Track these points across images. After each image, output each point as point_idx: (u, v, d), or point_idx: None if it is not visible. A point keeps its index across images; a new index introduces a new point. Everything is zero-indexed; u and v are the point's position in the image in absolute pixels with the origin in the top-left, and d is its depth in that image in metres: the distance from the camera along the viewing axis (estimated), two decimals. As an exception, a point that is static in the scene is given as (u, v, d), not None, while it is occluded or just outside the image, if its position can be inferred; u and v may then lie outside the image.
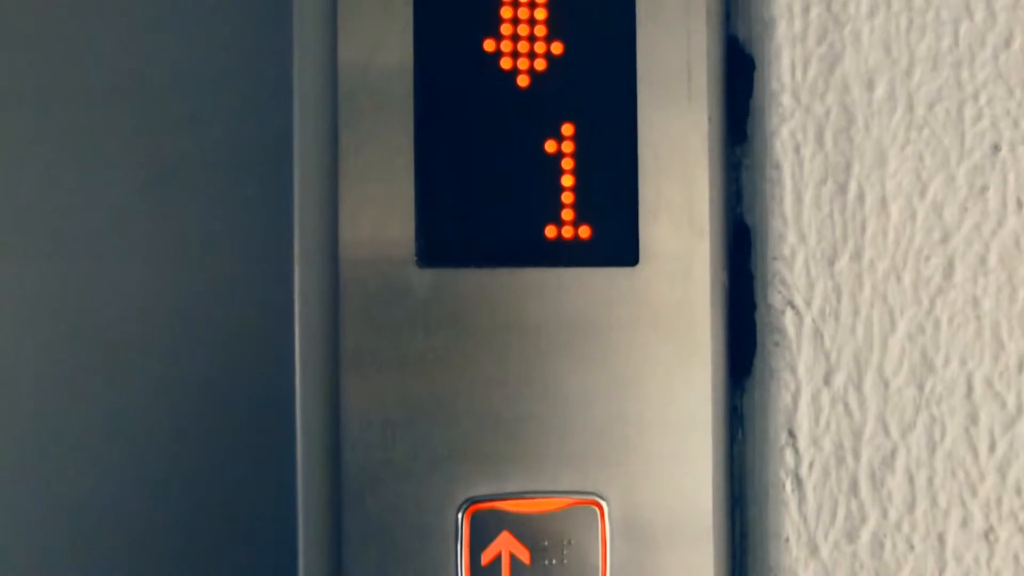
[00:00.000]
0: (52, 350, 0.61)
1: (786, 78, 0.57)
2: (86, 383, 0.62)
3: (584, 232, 0.56)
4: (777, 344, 0.57)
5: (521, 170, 0.56)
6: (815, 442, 0.57)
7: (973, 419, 0.56)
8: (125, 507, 0.61)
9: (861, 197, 0.57)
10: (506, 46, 0.56)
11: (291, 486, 0.56)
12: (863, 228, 0.57)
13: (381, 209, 0.55)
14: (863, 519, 0.57)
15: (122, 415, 0.61)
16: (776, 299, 0.57)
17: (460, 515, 0.55)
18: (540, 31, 0.56)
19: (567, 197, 0.56)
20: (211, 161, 0.61)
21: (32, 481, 0.61)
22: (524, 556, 0.55)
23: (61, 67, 0.61)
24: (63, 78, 0.61)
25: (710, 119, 0.58)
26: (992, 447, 0.57)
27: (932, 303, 0.57)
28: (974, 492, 0.57)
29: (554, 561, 0.56)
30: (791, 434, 0.57)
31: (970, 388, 0.56)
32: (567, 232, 0.56)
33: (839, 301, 0.57)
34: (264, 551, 0.57)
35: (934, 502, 0.57)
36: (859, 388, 0.57)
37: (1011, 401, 0.56)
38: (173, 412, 0.61)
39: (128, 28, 0.62)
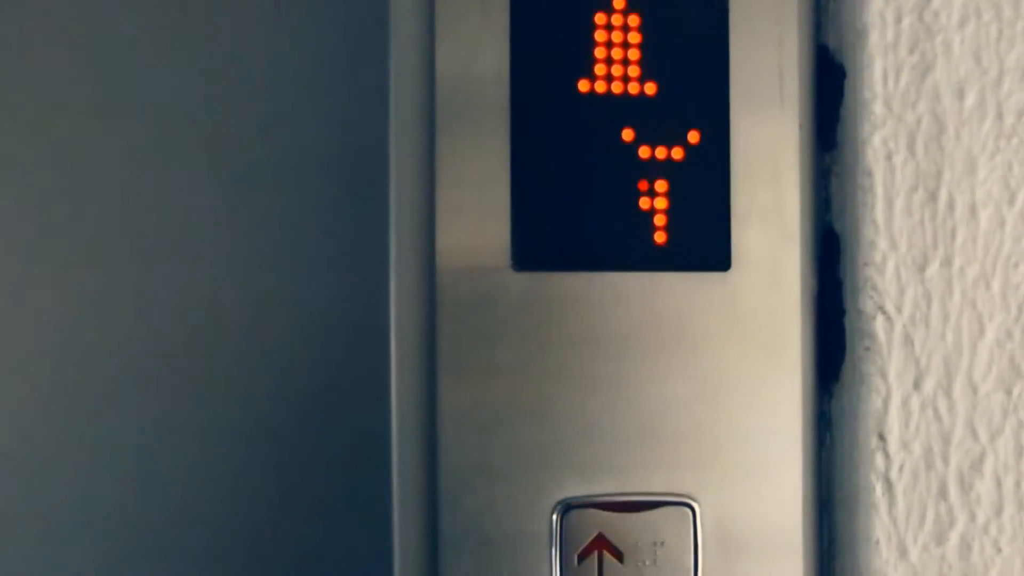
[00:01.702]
0: (136, 356, 0.62)
1: (878, 87, 0.57)
2: (171, 389, 0.63)
3: (676, 237, 0.57)
4: (868, 349, 0.57)
5: (615, 175, 0.57)
6: (905, 446, 0.57)
7: (1063, 425, 0.57)
8: (217, 511, 0.62)
9: (951, 205, 0.58)
10: (600, 53, 0.57)
11: (385, 489, 0.57)
12: (953, 235, 0.57)
13: (477, 215, 0.55)
14: (951, 522, 0.57)
15: (211, 421, 0.62)
16: (867, 305, 0.57)
17: (555, 517, 0.56)
18: (634, 37, 0.57)
19: (660, 202, 0.57)
20: (296, 166, 0.62)
21: (122, 484, 0.62)
22: (617, 557, 0.56)
23: (140, 70, 0.62)
24: (143, 81, 0.62)
25: (800, 126, 0.58)
26: (1082, 453, 0.57)
27: (1020, 309, 0.57)
28: (1064, 497, 0.57)
29: (646, 562, 0.56)
30: (881, 438, 0.57)
31: (1060, 394, 0.57)
32: (659, 237, 0.57)
33: (929, 307, 0.57)
34: (359, 554, 0.58)
35: (1021, 506, 0.57)
36: (948, 393, 0.57)
37: (1102, 407, 0.57)
38: (262, 418, 0.62)
39: (214, 31, 0.63)
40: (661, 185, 0.57)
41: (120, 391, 0.62)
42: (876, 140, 0.57)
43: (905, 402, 0.57)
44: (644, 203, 0.57)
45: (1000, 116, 0.58)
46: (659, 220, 0.57)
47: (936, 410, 0.57)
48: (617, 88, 0.57)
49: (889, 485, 0.57)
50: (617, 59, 0.57)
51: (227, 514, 0.61)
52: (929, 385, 0.57)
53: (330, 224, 0.63)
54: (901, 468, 0.57)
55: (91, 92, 0.61)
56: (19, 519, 0.61)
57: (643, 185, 0.57)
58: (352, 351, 0.60)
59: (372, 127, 0.61)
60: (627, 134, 0.57)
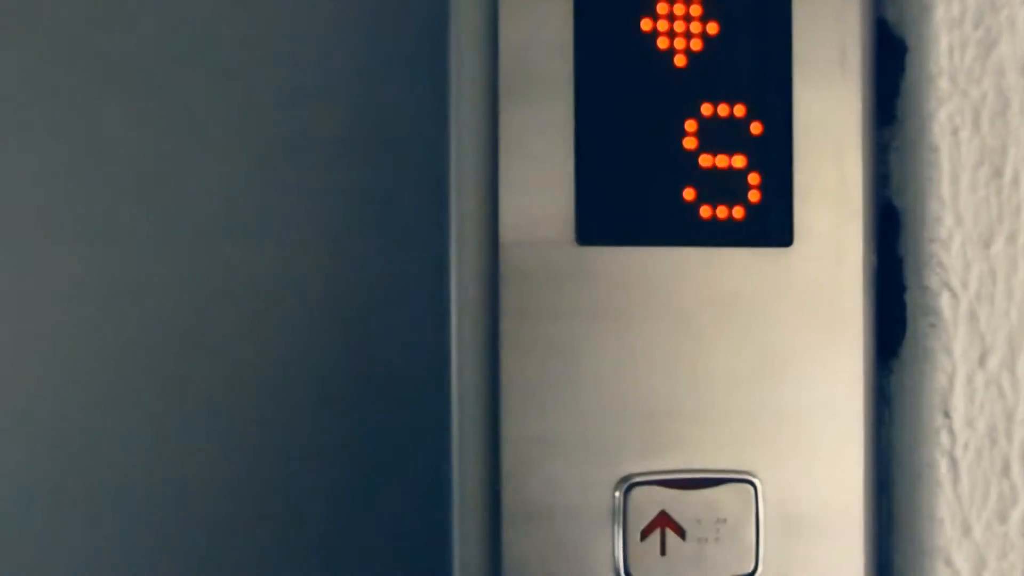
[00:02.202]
0: (172, 334, 0.61)
1: (944, 61, 0.57)
2: (219, 369, 0.62)
3: (738, 212, 0.57)
4: (933, 326, 0.57)
5: (677, 149, 0.56)
6: (970, 423, 0.57)
7: None
8: (275, 490, 0.61)
9: (1016, 181, 0.57)
10: (663, 25, 0.56)
11: (445, 466, 0.56)
12: (1018, 211, 0.57)
13: (541, 188, 0.55)
14: (1014, 500, 0.57)
15: (263, 400, 0.62)
16: (933, 281, 0.57)
17: (618, 494, 0.55)
18: (696, 10, 0.56)
19: (724, 177, 0.56)
20: (338, 138, 0.62)
21: (179, 466, 0.61)
22: (679, 534, 0.56)
23: (174, 43, 0.62)
24: (176, 52, 0.61)
25: (862, 100, 0.58)
26: None
27: (1082, 286, 0.57)
28: None
29: (708, 539, 0.56)
30: (946, 415, 0.57)
31: (1124, 371, 0.57)
32: (721, 212, 0.57)
33: (994, 284, 0.57)
34: (416, 531, 0.58)
35: (1082, 485, 0.57)
36: (1012, 370, 0.57)
37: None
38: (315, 399, 0.62)
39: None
40: (724, 160, 0.56)
41: (165, 369, 0.61)
42: (942, 115, 0.57)
43: (970, 379, 0.57)
44: (707, 178, 0.56)
45: (1063, 91, 0.57)
46: (723, 195, 0.56)
47: (1000, 387, 0.57)
48: (680, 61, 0.56)
49: (954, 463, 0.57)
50: (680, 32, 0.56)
51: (285, 492, 0.60)
52: (993, 362, 0.57)
53: (376, 197, 0.62)
54: (966, 445, 0.57)
55: (126, 64, 0.61)
56: (76, 508, 0.61)
57: (706, 160, 0.56)
58: (405, 326, 0.60)
59: (420, 97, 0.61)
60: (691, 108, 0.56)
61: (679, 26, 0.56)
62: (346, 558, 0.60)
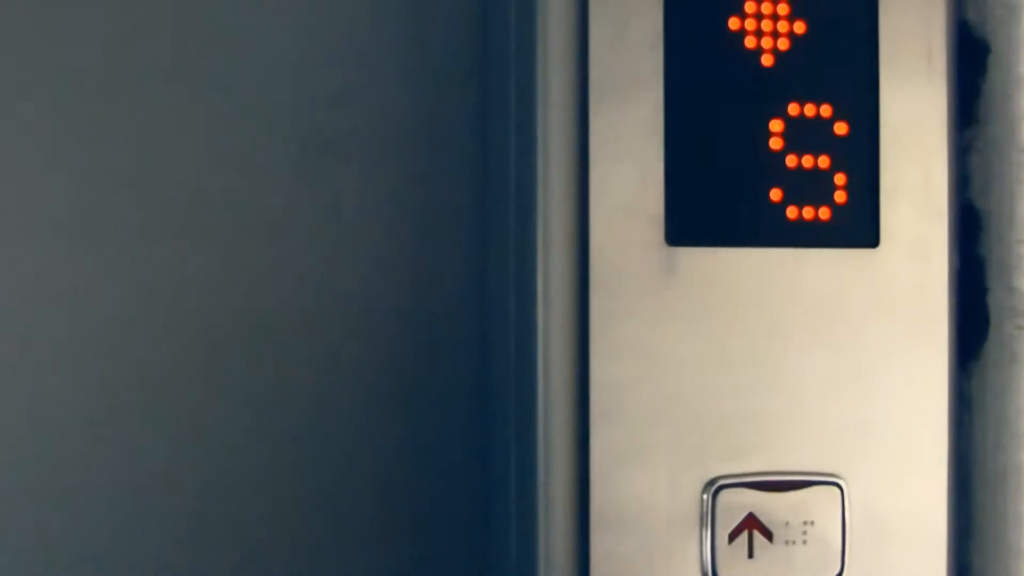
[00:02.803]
0: (215, 332, 0.61)
1: (1032, 62, 0.57)
2: (272, 361, 0.62)
3: (824, 213, 0.56)
4: (1021, 328, 0.57)
5: (764, 150, 0.56)
6: (1057, 426, 0.57)
7: None
8: (350, 481, 0.61)
9: (1103, 182, 0.57)
10: (750, 24, 0.56)
11: (529, 470, 0.56)
12: (1105, 212, 0.57)
13: (631, 188, 0.55)
14: (1099, 503, 0.57)
15: (317, 397, 0.61)
16: (1021, 283, 0.57)
17: (706, 496, 0.55)
18: (783, 8, 0.56)
19: (810, 179, 0.56)
20: (387, 137, 0.62)
21: (247, 454, 0.61)
22: (767, 536, 0.55)
23: (223, 44, 0.61)
24: (224, 50, 0.61)
25: (947, 101, 0.57)
26: None
27: None
28: None
29: (795, 541, 0.56)
30: (1034, 418, 0.57)
31: None
32: (808, 213, 0.56)
33: (1082, 285, 0.57)
34: (505, 533, 0.57)
35: None
36: (1098, 373, 0.57)
37: None
38: (378, 405, 0.61)
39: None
40: (810, 160, 0.56)
41: (220, 365, 0.61)
42: (1031, 116, 0.57)
43: (1057, 382, 0.57)
44: (794, 179, 0.56)
45: None
46: (809, 196, 0.56)
47: (1086, 390, 0.57)
48: (767, 61, 0.56)
49: (1041, 465, 0.57)
50: (767, 31, 0.56)
51: (372, 486, 0.60)
52: (1080, 365, 0.57)
53: (422, 197, 0.62)
54: (1053, 448, 0.57)
55: (170, 63, 0.60)
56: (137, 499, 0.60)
57: (792, 161, 0.56)
58: (489, 329, 0.59)
59: (468, 97, 0.61)
60: (777, 108, 0.56)
61: (766, 25, 0.56)
62: (433, 563, 0.60)
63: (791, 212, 0.56)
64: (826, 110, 0.57)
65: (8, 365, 0.59)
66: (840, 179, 0.56)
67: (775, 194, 0.56)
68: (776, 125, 0.56)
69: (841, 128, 0.57)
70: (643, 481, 0.55)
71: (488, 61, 0.62)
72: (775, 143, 0.56)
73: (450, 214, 0.63)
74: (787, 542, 0.56)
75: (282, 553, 0.62)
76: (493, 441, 0.60)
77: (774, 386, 0.56)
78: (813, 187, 0.56)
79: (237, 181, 0.62)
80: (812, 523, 0.56)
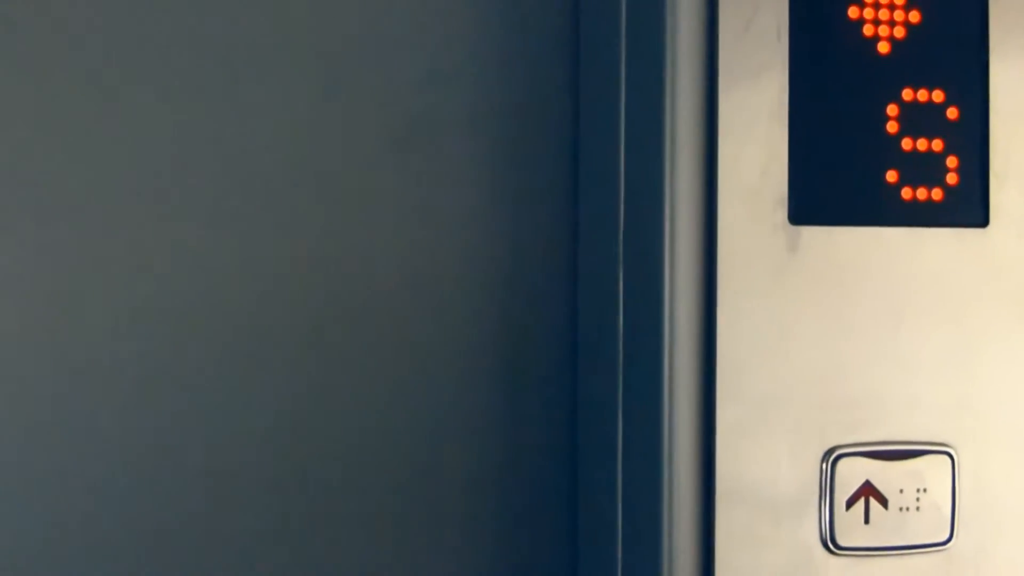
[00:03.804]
0: (312, 313, 0.63)
1: None
2: (355, 340, 0.63)
3: (937, 194, 0.59)
4: None
5: (881, 133, 0.58)
6: None
7: None
8: (431, 461, 0.63)
9: None
10: (868, 13, 0.58)
11: (654, 442, 0.58)
12: None
13: (756, 169, 0.57)
14: None
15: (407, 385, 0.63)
16: None
17: (825, 465, 0.57)
18: (899, -1, 0.58)
19: (925, 159, 0.58)
20: (476, 117, 0.63)
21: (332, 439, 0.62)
22: (882, 503, 0.58)
23: (311, 22, 0.62)
24: (314, 34, 0.62)
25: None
26: None
27: None
28: None
29: (909, 507, 0.58)
30: None
31: None
32: (921, 194, 0.59)
33: None
34: (632, 502, 0.60)
35: None
36: None
37: None
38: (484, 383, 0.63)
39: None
40: (924, 143, 0.59)
41: (298, 342, 0.62)
42: None
43: None
44: (909, 161, 0.58)
45: None
46: (923, 177, 0.58)
47: None
48: (883, 48, 0.58)
49: None
50: (884, 20, 0.58)
51: (454, 464, 0.62)
52: None
53: (513, 176, 0.64)
54: None
55: (269, 43, 0.62)
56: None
57: (907, 144, 0.58)
58: (609, 307, 0.61)
59: (559, 77, 0.62)
60: (893, 93, 0.58)
61: (883, 14, 0.58)
62: (553, 527, 0.62)
63: (906, 193, 0.58)
64: (938, 95, 0.59)
65: (86, 335, 0.60)
66: (952, 161, 0.59)
67: (891, 176, 0.58)
68: (892, 110, 0.58)
69: (953, 113, 0.59)
70: (765, 452, 0.57)
71: (585, 43, 0.64)
72: (891, 127, 0.58)
73: (540, 192, 0.65)
74: (901, 509, 0.58)
75: (368, 525, 0.63)
76: (588, 421, 0.63)
77: (890, 360, 0.58)
78: (926, 169, 0.59)
79: (333, 160, 0.63)
80: (925, 491, 0.58)
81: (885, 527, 0.58)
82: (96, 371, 0.60)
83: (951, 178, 0.59)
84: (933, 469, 0.59)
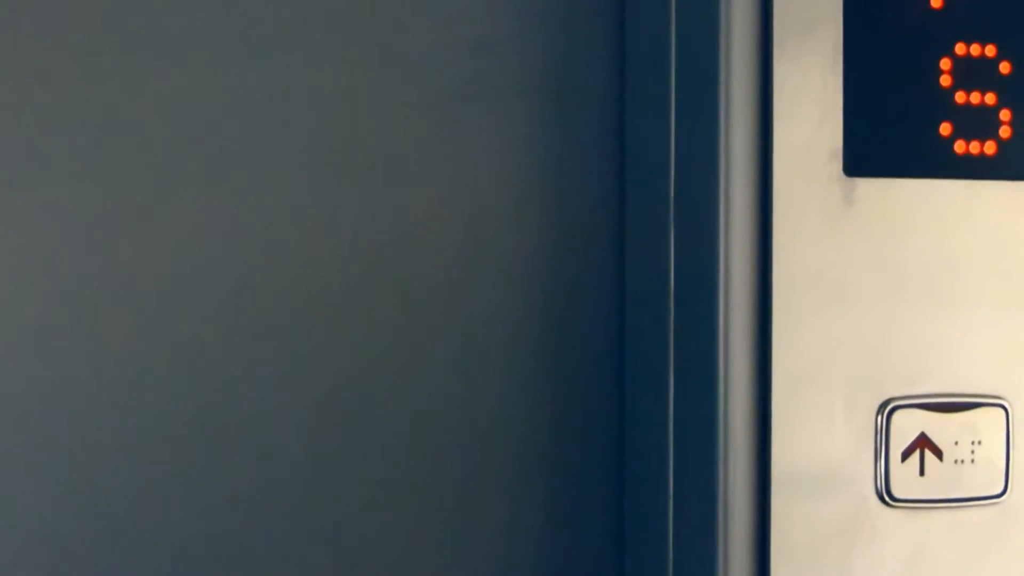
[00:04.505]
0: (352, 272, 0.63)
1: None
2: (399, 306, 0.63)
3: (990, 148, 0.59)
4: None
5: (935, 87, 0.58)
6: None
7: None
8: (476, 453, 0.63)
9: None
10: (923, -34, 0.58)
11: (710, 399, 0.58)
12: None
13: (811, 121, 0.57)
14: None
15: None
16: None
17: (881, 417, 0.58)
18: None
19: (984, 112, 0.59)
20: (522, 83, 0.63)
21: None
22: (937, 454, 0.58)
23: None
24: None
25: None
26: None
27: None
28: None
29: (964, 459, 0.58)
30: None
31: None
32: (975, 147, 0.59)
33: None
34: (686, 451, 0.60)
35: None
36: None
37: None
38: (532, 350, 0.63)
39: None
40: (977, 97, 0.59)
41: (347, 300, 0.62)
42: None
43: None
44: (962, 114, 0.59)
45: None
46: (976, 131, 0.59)
47: None
48: (936, 2, 0.59)
49: None
50: (938, -29, 0.59)
51: (501, 452, 0.62)
52: None
53: (558, 140, 0.64)
54: None
55: (313, 6, 0.62)
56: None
57: (960, 97, 0.59)
58: (662, 261, 0.62)
59: (600, 48, 0.63)
60: (946, 48, 0.59)
61: (939, -36, 0.59)
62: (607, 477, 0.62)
63: (959, 147, 0.59)
64: (991, 50, 0.59)
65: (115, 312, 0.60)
66: (1005, 115, 0.59)
67: (944, 129, 0.59)
68: (945, 63, 0.59)
69: (1005, 67, 0.59)
70: (821, 403, 0.57)
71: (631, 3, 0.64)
72: (944, 80, 0.58)
73: (586, 155, 0.65)
74: (956, 461, 0.58)
75: (415, 525, 0.63)
76: (635, 381, 0.63)
77: (944, 312, 0.58)
78: (980, 123, 0.59)
79: (379, 126, 0.63)
80: (980, 443, 0.58)
81: (940, 479, 0.58)
82: (138, 345, 0.60)
83: (1004, 131, 0.59)
84: (987, 421, 0.59)
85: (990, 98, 0.59)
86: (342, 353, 0.62)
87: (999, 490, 0.59)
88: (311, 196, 0.62)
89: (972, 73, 0.59)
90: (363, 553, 0.62)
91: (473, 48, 0.64)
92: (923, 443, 0.58)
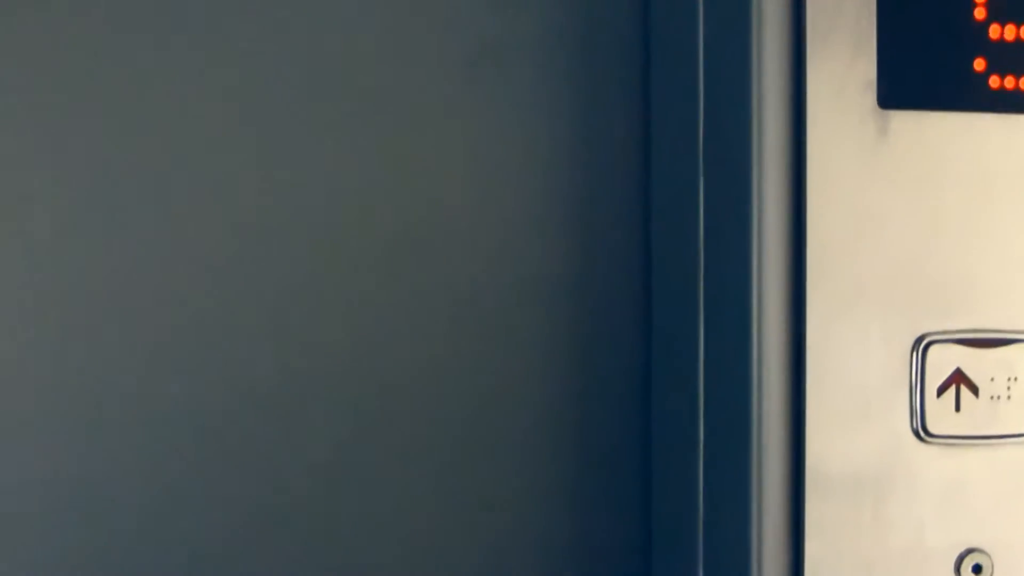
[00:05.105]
0: (374, 234, 0.62)
1: None
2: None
3: (1025, 83, 0.58)
4: None
5: (969, 20, 0.58)
6: None
7: None
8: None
9: None
10: None
11: (743, 335, 0.58)
12: None
13: (844, 52, 0.57)
14: None
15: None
16: None
17: (916, 352, 0.57)
18: None
19: (1010, 49, 0.58)
20: (546, 41, 0.63)
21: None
22: (973, 390, 0.57)
23: None
24: None
25: None
26: None
27: None
28: None
29: (1000, 396, 0.58)
30: None
31: None
32: (1009, 83, 0.58)
33: None
34: (720, 372, 0.59)
35: None
36: None
37: None
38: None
39: None
40: (1011, 31, 0.58)
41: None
42: None
43: None
44: (996, 49, 0.58)
45: None
46: (1011, 66, 0.58)
47: None
48: (971, -68, 0.58)
49: None
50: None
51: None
52: None
53: (583, 95, 0.64)
54: None
55: None
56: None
57: (995, 32, 0.58)
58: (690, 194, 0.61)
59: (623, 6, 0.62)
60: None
61: None
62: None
63: (993, 82, 0.58)
64: (1028, -18, 0.59)
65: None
66: (1039, 50, 0.59)
67: (978, 64, 0.58)
68: (983, -2, 0.58)
69: (1042, -1, 0.59)
70: (855, 337, 0.57)
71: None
72: (979, 14, 0.58)
73: (610, 107, 0.65)
74: (992, 397, 0.58)
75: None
76: (665, 300, 0.62)
77: (980, 246, 0.58)
78: (1014, 58, 0.58)
79: (402, 82, 0.63)
80: (1016, 379, 0.58)
81: (976, 415, 0.58)
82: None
83: (1039, 66, 0.59)
84: (1024, 358, 0.58)
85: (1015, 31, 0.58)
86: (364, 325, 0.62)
87: (1035, 428, 0.58)
88: (330, 147, 0.62)
89: (1006, 7, 0.58)
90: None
91: (495, 5, 0.64)
92: (959, 379, 0.57)
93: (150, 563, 0.60)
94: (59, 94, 0.59)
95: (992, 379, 0.58)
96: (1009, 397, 0.58)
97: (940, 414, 0.57)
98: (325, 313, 0.62)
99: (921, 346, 0.57)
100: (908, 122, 0.57)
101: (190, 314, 0.60)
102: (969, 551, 0.58)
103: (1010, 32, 0.58)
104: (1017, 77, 0.58)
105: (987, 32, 0.58)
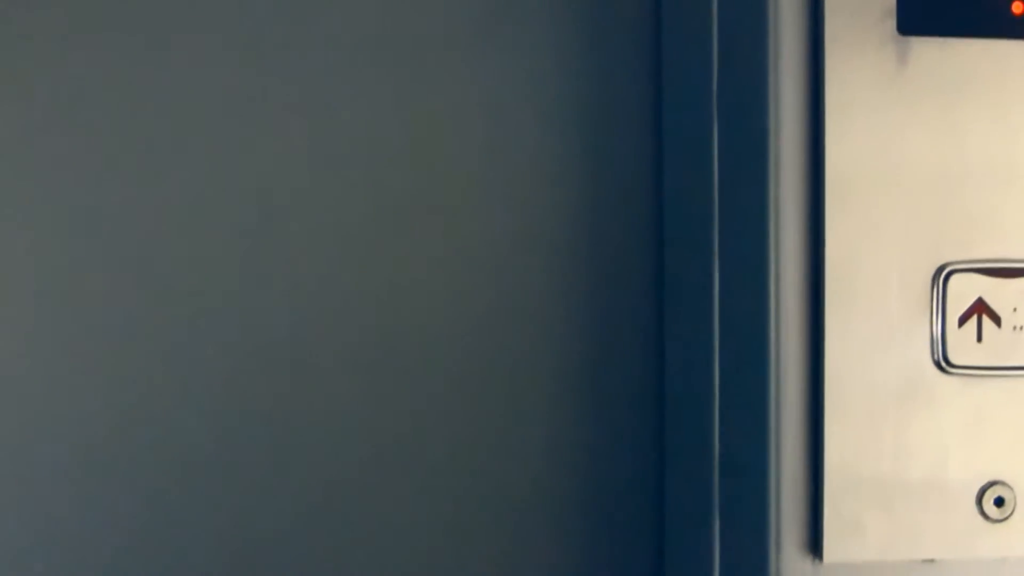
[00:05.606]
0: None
1: None
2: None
3: (1049, 9, 0.58)
4: None
5: (991, -54, 0.57)
6: None
7: None
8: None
9: None
10: None
11: (761, 273, 0.57)
12: None
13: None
14: None
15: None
16: None
17: (937, 281, 0.56)
18: None
19: (1037, -27, 0.57)
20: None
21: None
22: (995, 320, 0.57)
23: None
24: None
25: None
26: None
27: None
28: None
29: (1022, 326, 0.57)
30: None
31: None
32: (1031, 8, 0.58)
33: None
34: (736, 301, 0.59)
35: None
36: None
37: None
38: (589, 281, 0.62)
39: None
40: (1035, -44, 0.57)
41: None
42: None
43: None
44: (1020, -27, 0.57)
45: None
46: (1034, -10, 0.57)
47: None
48: None
49: None
50: None
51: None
52: None
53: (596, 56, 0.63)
54: None
55: None
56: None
57: (1018, -44, 0.57)
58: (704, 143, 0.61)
59: None
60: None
61: None
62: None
63: (1017, 7, 0.57)
64: (1050, -90, 0.58)
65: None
66: (1068, -25, 0.58)
67: (1003, -10, 0.57)
68: (1004, -77, 0.57)
69: (1065, -73, 0.58)
70: (875, 266, 0.56)
71: None
72: (1006, -62, 0.57)
73: (620, 55, 0.64)
74: (1016, 327, 0.57)
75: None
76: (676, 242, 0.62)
77: (1003, 175, 0.57)
78: (1038, -16, 0.58)
79: (412, 37, 0.62)
80: (1038, 309, 0.57)
81: (998, 346, 0.57)
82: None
83: (1062, -7, 0.58)
84: (1047, 288, 0.58)
85: (1047, -42, 0.58)
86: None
87: (1058, 358, 0.58)
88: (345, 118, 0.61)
89: (1031, -68, 0.57)
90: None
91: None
92: (980, 308, 0.57)
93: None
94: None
95: (1015, 309, 0.57)
96: (1032, 327, 0.57)
97: (961, 344, 0.57)
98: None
99: (942, 275, 0.57)
100: (929, 49, 0.57)
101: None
102: (991, 483, 0.57)
103: (1035, -43, 0.58)
104: (1041, 4, 0.58)
105: (1011, -43, 0.57)
